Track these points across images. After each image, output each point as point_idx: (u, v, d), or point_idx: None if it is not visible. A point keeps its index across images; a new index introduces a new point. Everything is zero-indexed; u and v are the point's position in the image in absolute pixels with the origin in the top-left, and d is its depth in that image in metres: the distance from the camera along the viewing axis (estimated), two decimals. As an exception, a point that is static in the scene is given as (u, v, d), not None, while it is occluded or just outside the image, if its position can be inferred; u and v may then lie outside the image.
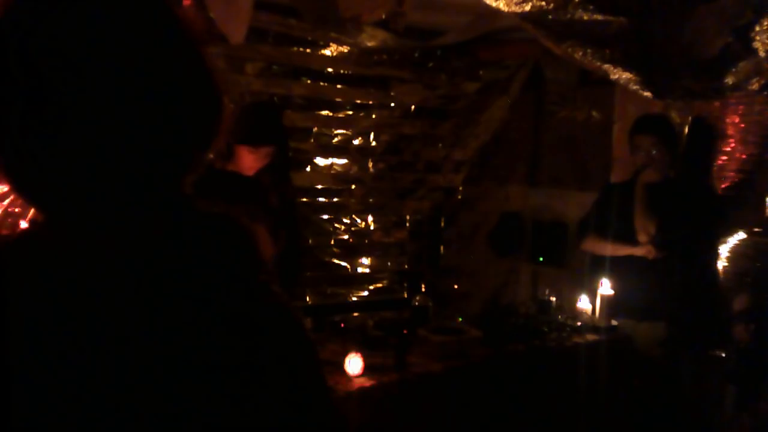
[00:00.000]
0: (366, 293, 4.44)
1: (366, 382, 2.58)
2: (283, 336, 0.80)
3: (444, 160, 4.68)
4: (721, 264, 3.78)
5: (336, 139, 4.23)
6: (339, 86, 4.15)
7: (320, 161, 4.20)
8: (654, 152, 3.37)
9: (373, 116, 4.32)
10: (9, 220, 2.69)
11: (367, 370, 2.62)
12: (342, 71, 4.11)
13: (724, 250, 3.78)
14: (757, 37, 2.61)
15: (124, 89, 0.71)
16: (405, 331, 2.95)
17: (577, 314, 3.47)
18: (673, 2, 2.59)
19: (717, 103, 3.73)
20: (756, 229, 3.72)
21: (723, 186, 3.82)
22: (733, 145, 3.79)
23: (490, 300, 4.66)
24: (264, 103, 3.12)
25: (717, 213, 3.51)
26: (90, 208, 0.74)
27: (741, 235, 3.76)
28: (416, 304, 3.32)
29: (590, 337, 3.32)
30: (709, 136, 3.79)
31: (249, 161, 2.73)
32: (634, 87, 2.92)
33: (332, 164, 4.24)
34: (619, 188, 3.54)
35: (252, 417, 0.75)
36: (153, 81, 0.73)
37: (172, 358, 0.72)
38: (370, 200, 4.43)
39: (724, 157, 3.81)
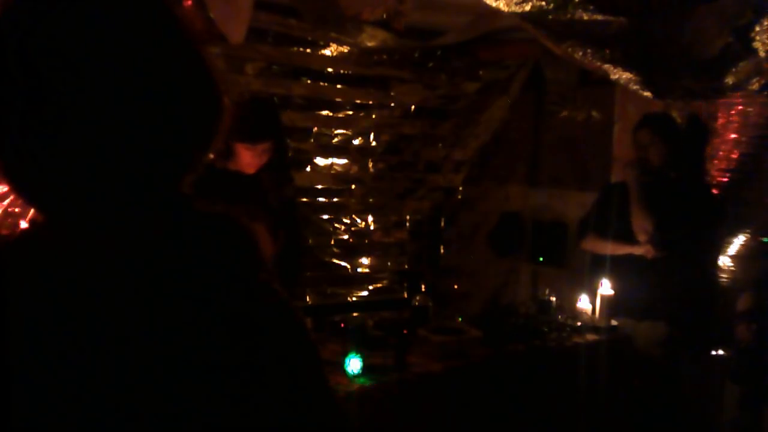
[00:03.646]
0: (366, 293, 4.44)
1: (366, 382, 2.58)
2: (284, 336, 0.80)
3: (444, 160, 4.68)
4: (726, 264, 3.78)
5: (336, 139, 4.23)
6: (339, 86, 4.15)
7: (320, 161, 4.20)
8: (650, 147, 3.37)
9: (373, 116, 4.32)
10: (9, 220, 2.69)
11: (367, 370, 2.62)
12: (342, 71, 4.10)
13: (730, 250, 3.78)
14: (757, 37, 2.61)
15: (123, 89, 0.71)
16: (405, 331, 2.95)
17: (577, 314, 3.47)
18: (673, 2, 2.59)
19: (712, 102, 3.73)
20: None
21: (720, 185, 3.82)
22: (728, 144, 3.79)
23: (490, 300, 4.66)
24: (258, 99, 3.12)
25: (716, 212, 3.51)
26: (90, 208, 0.74)
27: (743, 237, 3.76)
28: (416, 304, 3.32)
29: (590, 337, 3.32)
30: (705, 133, 3.79)
31: (248, 158, 2.74)
32: (634, 87, 2.92)
33: (332, 164, 4.24)
34: (619, 188, 3.54)
35: (252, 417, 0.75)
36: (152, 81, 0.73)
37: (172, 358, 0.72)
38: (370, 200, 4.43)
39: (721, 153, 3.81)
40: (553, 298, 3.58)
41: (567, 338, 3.28)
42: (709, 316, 3.48)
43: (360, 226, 4.41)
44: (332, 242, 4.30)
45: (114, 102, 0.71)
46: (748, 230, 3.76)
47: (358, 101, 4.25)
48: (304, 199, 4.06)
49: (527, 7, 2.50)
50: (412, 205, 4.62)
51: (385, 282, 4.52)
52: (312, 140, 4.12)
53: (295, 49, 3.85)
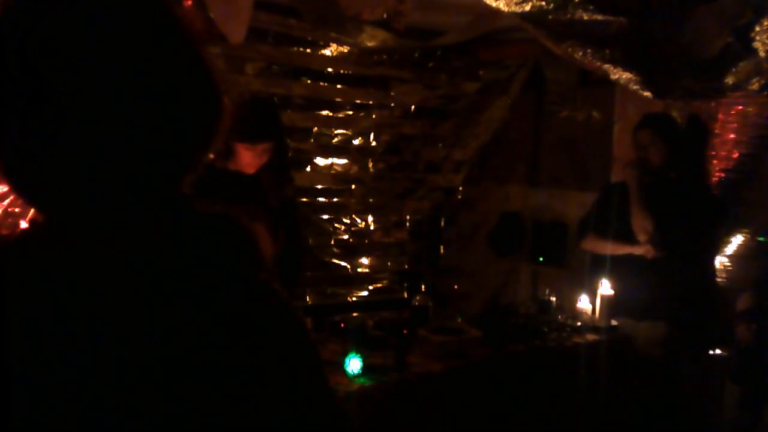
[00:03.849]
0: (366, 293, 4.44)
1: (366, 382, 2.58)
2: (284, 336, 0.80)
3: (444, 160, 4.68)
4: (725, 264, 3.79)
5: (336, 139, 4.23)
6: (339, 86, 4.15)
7: (320, 161, 4.20)
8: (650, 147, 3.38)
9: (373, 116, 4.32)
10: (9, 220, 2.69)
11: (367, 370, 2.62)
12: (342, 71, 4.10)
13: (729, 250, 3.78)
14: (757, 37, 2.61)
15: (123, 89, 0.71)
16: (405, 331, 2.95)
17: (577, 314, 3.47)
18: (673, 2, 2.59)
19: (712, 102, 3.73)
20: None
21: (720, 185, 3.82)
22: (728, 144, 3.79)
23: (490, 300, 4.66)
24: (259, 99, 3.12)
25: (716, 212, 3.51)
26: (90, 208, 0.74)
27: (743, 236, 3.76)
28: (416, 304, 3.32)
29: (590, 337, 3.32)
30: (705, 133, 3.79)
31: (248, 158, 2.74)
32: (634, 87, 2.92)
33: (332, 164, 4.24)
34: (619, 188, 3.55)
35: (252, 417, 0.75)
36: (152, 81, 0.73)
37: (172, 358, 0.72)
38: (370, 200, 4.43)
39: (721, 153, 3.81)
40: (553, 298, 3.58)
41: (567, 338, 3.28)
42: (708, 316, 3.48)
43: (360, 226, 4.41)
44: (332, 242, 4.30)
45: (114, 102, 0.71)
46: (747, 230, 3.76)
47: (358, 101, 4.25)
48: (304, 199, 4.06)
49: (527, 7, 2.50)
50: (412, 205, 4.62)
51: (385, 282, 4.52)
52: (312, 140, 4.12)
53: (295, 49, 3.85)
